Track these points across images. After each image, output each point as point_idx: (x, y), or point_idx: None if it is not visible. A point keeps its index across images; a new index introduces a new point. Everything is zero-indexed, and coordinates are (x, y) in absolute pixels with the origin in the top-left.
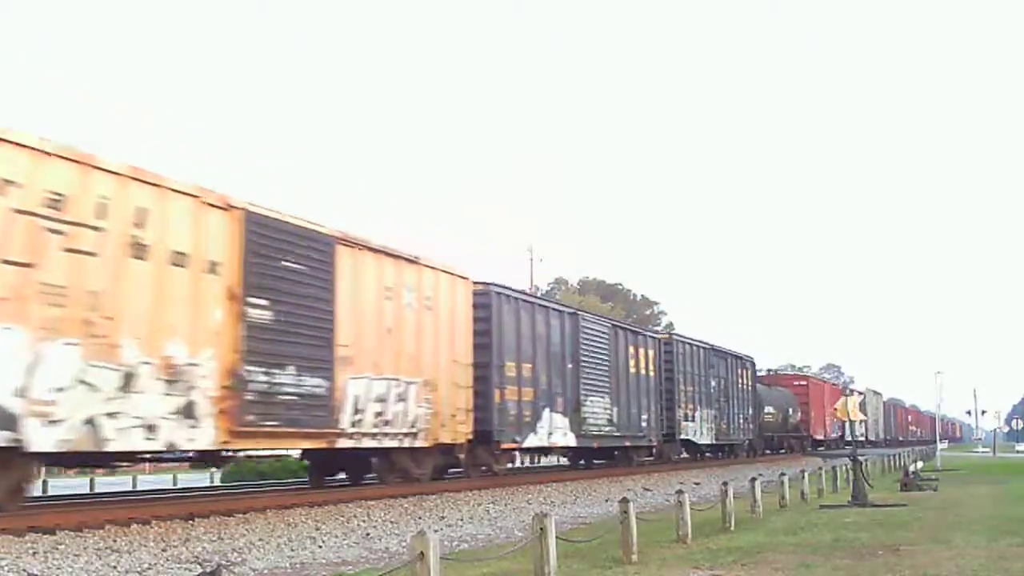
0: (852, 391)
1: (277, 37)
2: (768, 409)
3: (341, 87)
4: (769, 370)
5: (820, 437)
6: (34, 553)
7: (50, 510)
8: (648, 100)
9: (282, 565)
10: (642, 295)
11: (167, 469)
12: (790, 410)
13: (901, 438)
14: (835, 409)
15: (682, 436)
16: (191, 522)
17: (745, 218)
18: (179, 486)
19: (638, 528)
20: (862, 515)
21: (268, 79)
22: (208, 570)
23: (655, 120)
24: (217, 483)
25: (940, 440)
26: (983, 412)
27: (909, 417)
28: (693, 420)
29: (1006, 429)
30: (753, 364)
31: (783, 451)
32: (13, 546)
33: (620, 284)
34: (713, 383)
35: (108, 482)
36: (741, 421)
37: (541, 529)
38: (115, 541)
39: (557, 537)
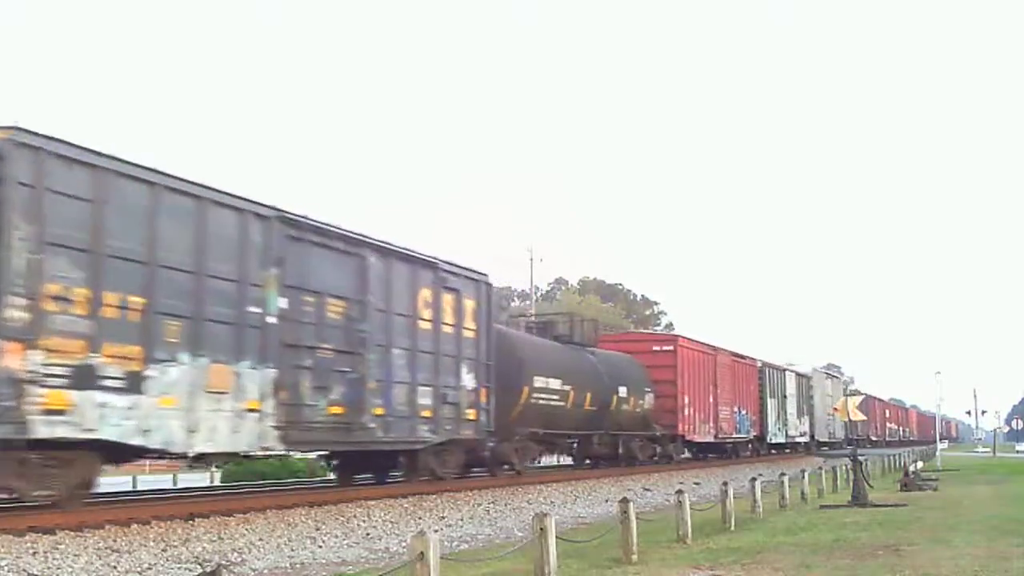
0: (771, 368)
1: (279, 37)
2: (544, 383)
3: (343, 87)
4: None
5: (700, 438)
6: (34, 553)
7: (50, 510)
8: (648, 101)
9: (282, 565)
10: (642, 295)
11: (167, 469)
12: (622, 391)
13: (876, 438)
14: (835, 409)
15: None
16: (191, 522)
17: (745, 218)
18: (179, 486)
19: (638, 528)
20: (862, 515)
21: (270, 79)
22: (208, 570)
23: (655, 120)
24: (217, 483)
25: (940, 440)
26: (983, 412)
27: (887, 412)
28: (135, 387)
29: (1006, 429)
30: (488, 288)
31: (606, 462)
32: (13, 546)
33: (620, 284)
34: (283, 303)
35: (108, 482)
36: (427, 401)
37: (541, 529)
38: (115, 541)
39: (557, 537)
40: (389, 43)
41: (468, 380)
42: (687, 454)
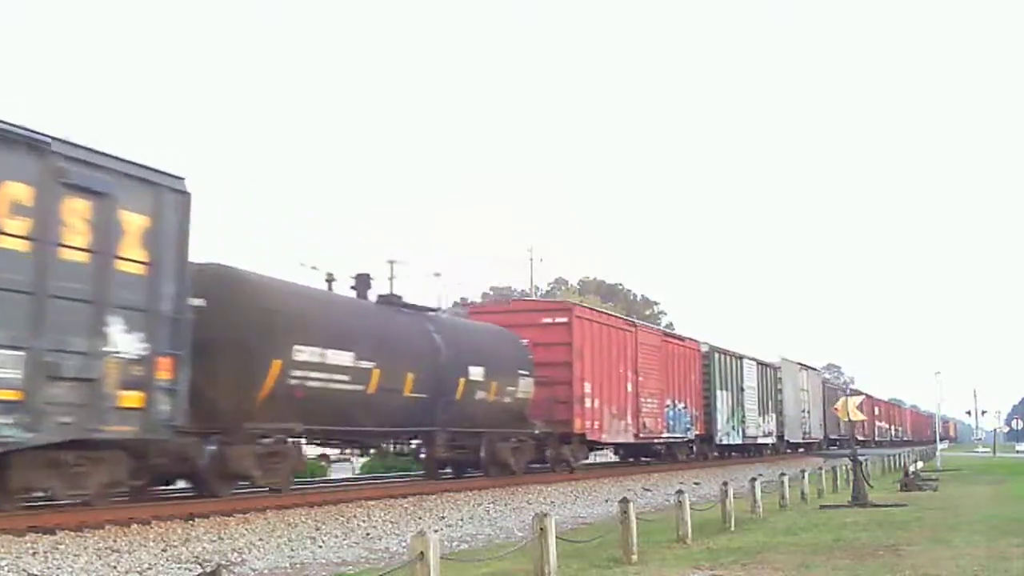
0: (722, 354)
1: (279, 37)
2: (316, 356)
3: (343, 88)
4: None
5: (611, 438)
6: (34, 553)
7: (50, 510)
8: (648, 100)
9: (282, 565)
10: (642, 295)
11: None
12: (476, 372)
13: (863, 438)
14: (835, 409)
15: None
16: (191, 522)
17: (746, 218)
18: (179, 486)
19: (638, 528)
20: (862, 515)
21: (270, 79)
22: (208, 570)
23: (655, 120)
24: None
25: (940, 440)
26: (983, 412)
27: (877, 409)
28: None
29: (1006, 429)
30: (181, 201)
31: (477, 471)
32: (13, 546)
33: (620, 284)
34: None
35: None
36: (6, 374)
37: (541, 529)
38: (115, 541)
39: (557, 537)
40: (389, 43)
41: (127, 342)
42: (605, 456)
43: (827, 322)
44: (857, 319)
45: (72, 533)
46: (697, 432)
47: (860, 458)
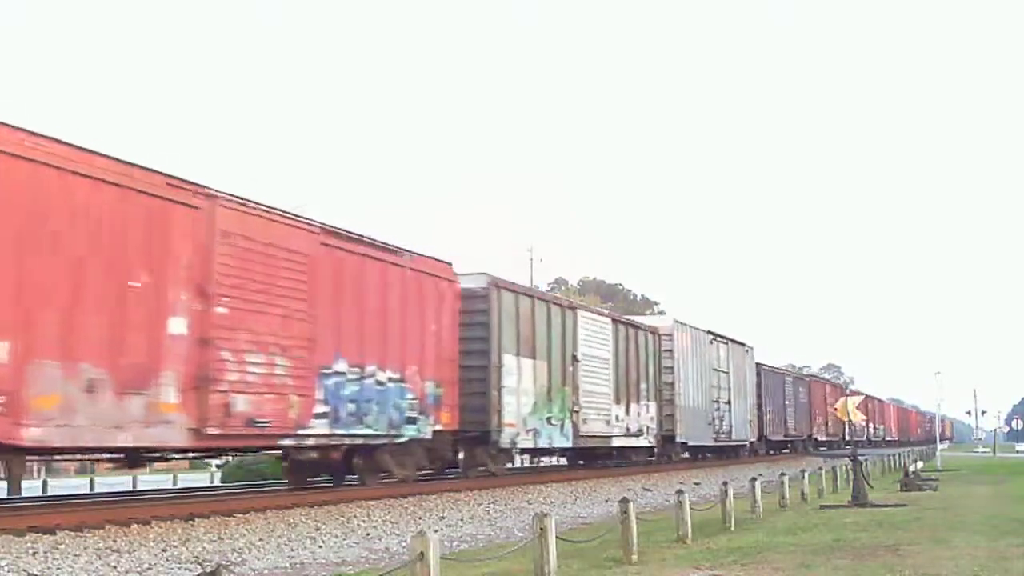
0: (523, 295)
1: (279, 37)
2: None
3: (343, 88)
4: None
5: (61, 438)
6: (34, 553)
7: (50, 510)
8: (649, 100)
9: (282, 565)
10: (642, 295)
11: (167, 469)
12: None
13: (826, 437)
14: (834, 409)
15: None
16: (191, 522)
17: (746, 218)
18: (179, 486)
19: (638, 528)
20: (862, 515)
21: (270, 79)
22: (208, 570)
23: (656, 120)
24: (217, 483)
25: (940, 440)
26: (983, 412)
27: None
28: None
29: (1006, 429)
30: None
31: None
32: (13, 546)
33: (620, 284)
34: None
35: (108, 482)
36: None
37: (541, 529)
38: (115, 541)
39: (557, 537)
40: (389, 43)
41: None
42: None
43: (827, 322)
44: (857, 319)
45: (72, 533)
46: (442, 426)
47: (860, 458)
